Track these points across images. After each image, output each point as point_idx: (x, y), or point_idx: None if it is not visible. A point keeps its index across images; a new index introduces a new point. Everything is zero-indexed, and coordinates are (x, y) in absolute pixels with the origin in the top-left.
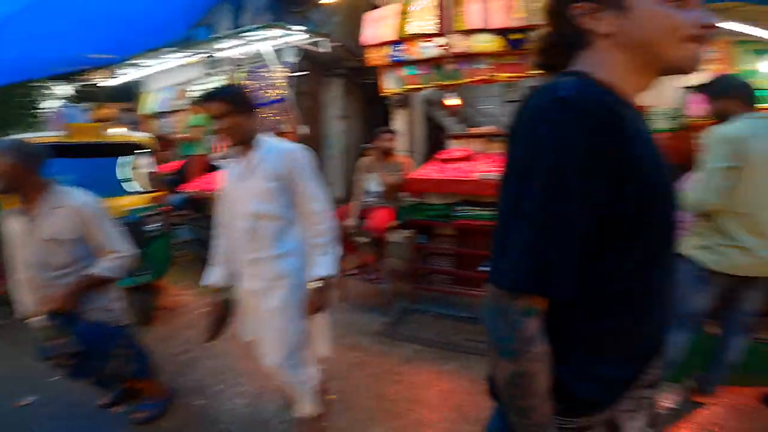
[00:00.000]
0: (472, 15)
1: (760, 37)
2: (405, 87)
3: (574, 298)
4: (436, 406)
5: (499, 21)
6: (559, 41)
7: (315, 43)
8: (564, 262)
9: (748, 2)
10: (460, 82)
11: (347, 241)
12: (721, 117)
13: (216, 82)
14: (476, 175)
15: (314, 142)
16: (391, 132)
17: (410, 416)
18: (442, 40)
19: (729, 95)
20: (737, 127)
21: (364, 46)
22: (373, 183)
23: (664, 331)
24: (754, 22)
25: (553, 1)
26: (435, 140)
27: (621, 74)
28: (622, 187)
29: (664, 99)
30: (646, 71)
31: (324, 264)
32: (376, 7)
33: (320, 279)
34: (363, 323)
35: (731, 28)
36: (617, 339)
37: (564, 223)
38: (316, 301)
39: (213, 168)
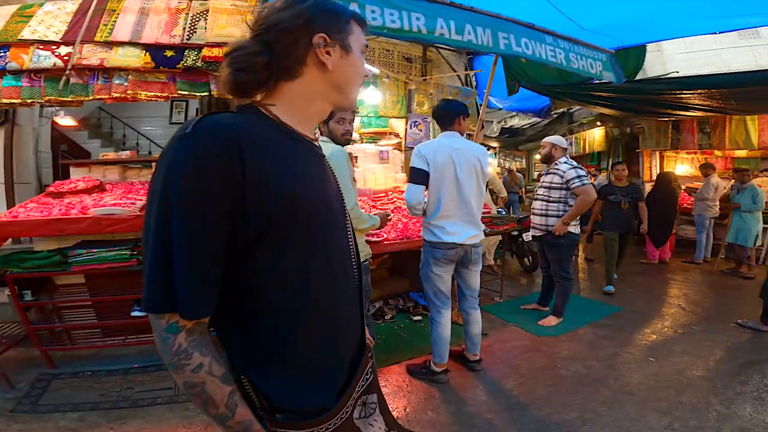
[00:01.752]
0: (123, 26)
1: (367, 70)
2: None
3: (240, 309)
4: None
5: (153, 36)
6: (271, 63)
7: None
8: (186, 282)
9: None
10: (86, 98)
11: None
12: (331, 136)
13: None
14: (93, 212)
15: None
16: None
17: None
18: (66, 50)
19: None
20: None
21: None
22: None
23: (356, 337)
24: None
25: (293, 22)
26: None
27: (309, 107)
28: (245, 207)
29: None
30: (329, 106)
31: None
32: None
33: None
34: None
35: None
36: (296, 345)
37: (173, 245)
38: None
39: None
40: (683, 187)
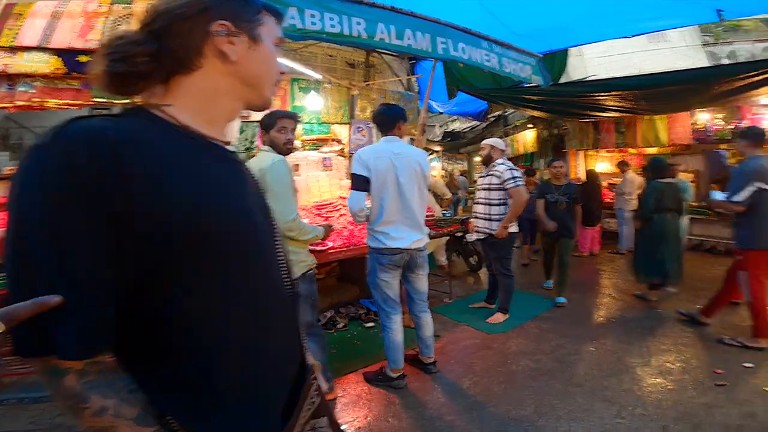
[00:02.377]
0: (30, 30)
1: (309, 76)
2: None
3: (152, 344)
4: None
5: (65, 40)
6: (161, 53)
7: None
8: (59, 318)
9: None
10: None
11: None
12: (272, 146)
13: None
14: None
15: None
16: None
17: None
18: None
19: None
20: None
21: None
22: None
23: (294, 361)
24: (305, 62)
25: (188, 9)
26: None
27: (214, 105)
28: (133, 227)
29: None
30: (238, 106)
31: None
32: None
33: None
34: None
35: (291, 68)
36: (224, 378)
37: (37, 276)
38: None
39: None
40: (605, 183)
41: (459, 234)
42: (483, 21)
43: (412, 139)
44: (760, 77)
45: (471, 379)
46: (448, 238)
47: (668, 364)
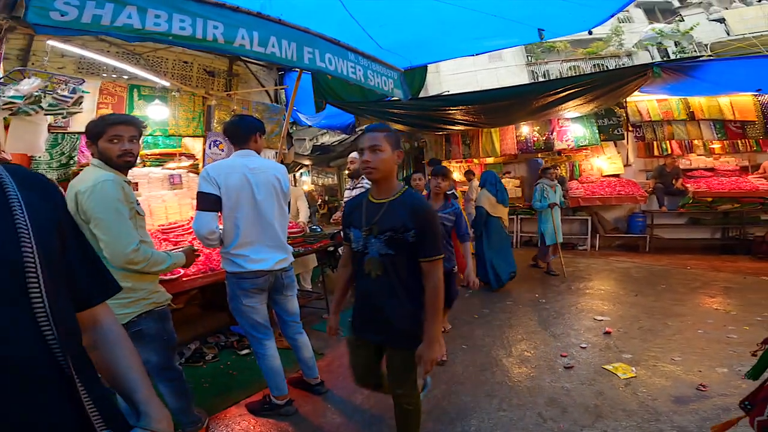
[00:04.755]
0: None
1: (153, 82)
2: None
3: None
4: None
5: None
6: None
7: None
8: None
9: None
10: None
11: None
12: (104, 160)
13: None
14: None
15: None
16: None
17: None
18: None
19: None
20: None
21: None
22: None
23: None
24: (150, 67)
25: None
26: None
27: None
28: None
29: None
30: None
31: None
32: None
33: None
34: None
35: (133, 72)
36: None
37: None
38: None
39: None
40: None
41: (331, 248)
42: (351, 33)
43: (277, 153)
44: (564, 93)
45: (362, 392)
46: (316, 261)
47: (525, 353)
